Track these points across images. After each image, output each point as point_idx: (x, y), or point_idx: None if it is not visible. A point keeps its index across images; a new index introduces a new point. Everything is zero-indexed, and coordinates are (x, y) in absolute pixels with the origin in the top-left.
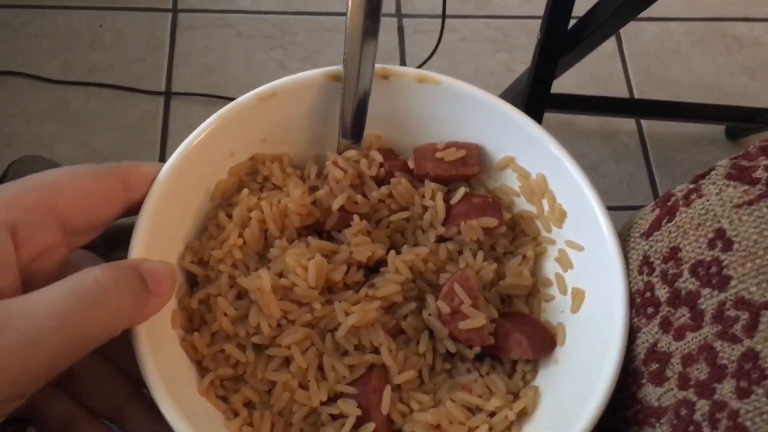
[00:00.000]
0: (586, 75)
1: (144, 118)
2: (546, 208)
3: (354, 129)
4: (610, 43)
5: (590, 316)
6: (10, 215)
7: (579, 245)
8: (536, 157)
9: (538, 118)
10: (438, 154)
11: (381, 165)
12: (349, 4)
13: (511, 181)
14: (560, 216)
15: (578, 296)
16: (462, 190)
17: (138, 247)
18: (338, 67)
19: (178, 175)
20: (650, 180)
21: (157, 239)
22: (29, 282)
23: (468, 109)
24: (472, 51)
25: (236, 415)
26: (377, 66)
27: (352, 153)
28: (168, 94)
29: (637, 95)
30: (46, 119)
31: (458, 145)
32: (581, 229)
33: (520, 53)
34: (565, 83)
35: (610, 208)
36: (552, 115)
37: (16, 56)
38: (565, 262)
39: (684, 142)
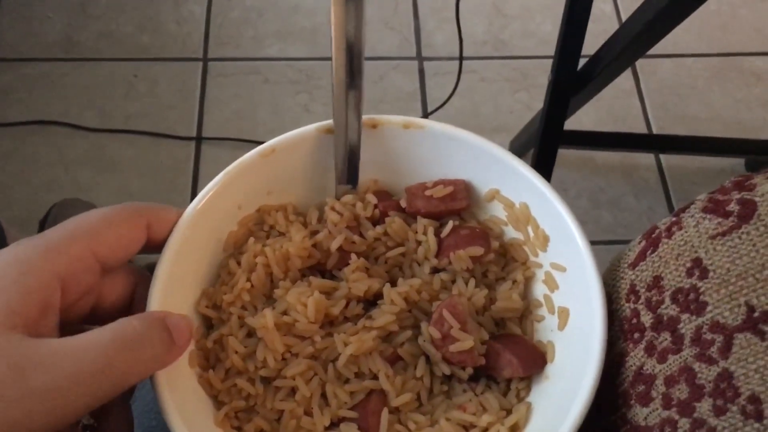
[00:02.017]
0: (604, 112)
1: (176, 162)
2: (531, 234)
3: (349, 175)
4: (627, 80)
5: (575, 331)
6: (60, 264)
7: (562, 266)
8: (517, 187)
9: (552, 155)
10: (428, 192)
11: (375, 206)
12: (333, 63)
13: (498, 211)
14: (544, 240)
15: (564, 314)
16: (450, 224)
17: (156, 298)
18: (330, 121)
19: (192, 229)
20: (670, 214)
21: (174, 287)
22: (65, 320)
23: (452, 149)
24: (491, 91)
25: None
26: (365, 117)
27: (348, 197)
28: (199, 140)
29: (655, 131)
30: (84, 165)
31: (446, 182)
32: (563, 250)
33: (538, 92)
34: (584, 120)
35: (629, 242)
36: (571, 151)
37: (55, 106)
38: (551, 284)
39: (703, 176)
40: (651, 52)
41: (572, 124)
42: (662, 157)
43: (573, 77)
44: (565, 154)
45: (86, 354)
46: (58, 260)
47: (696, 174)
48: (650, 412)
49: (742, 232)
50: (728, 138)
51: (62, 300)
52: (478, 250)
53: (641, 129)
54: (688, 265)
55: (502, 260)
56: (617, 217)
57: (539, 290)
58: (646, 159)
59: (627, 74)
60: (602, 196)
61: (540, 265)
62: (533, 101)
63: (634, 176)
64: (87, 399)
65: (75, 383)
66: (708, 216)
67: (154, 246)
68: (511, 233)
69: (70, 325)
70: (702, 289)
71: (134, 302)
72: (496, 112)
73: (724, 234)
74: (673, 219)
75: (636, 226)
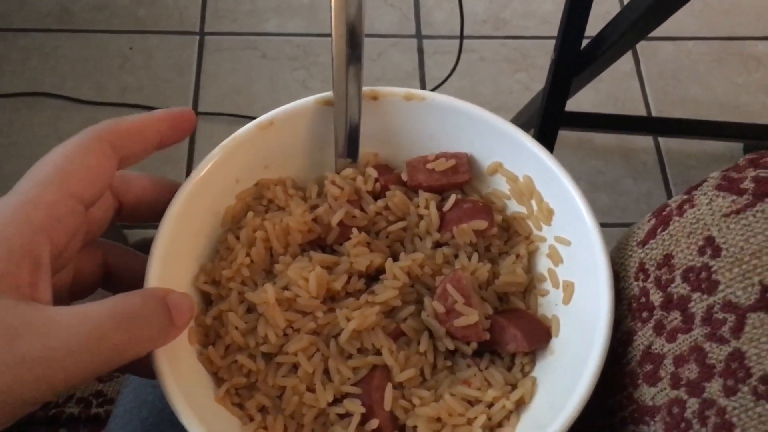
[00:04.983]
0: (604, 94)
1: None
2: (535, 207)
3: (349, 149)
4: (627, 63)
5: (580, 305)
6: (39, 216)
7: (567, 240)
8: (521, 160)
9: (552, 135)
10: (429, 166)
11: (376, 180)
12: (333, 35)
13: (501, 185)
14: (548, 214)
15: (569, 288)
16: (453, 197)
17: (155, 272)
18: (329, 93)
19: (189, 204)
20: (668, 197)
21: (172, 263)
22: (58, 267)
23: (454, 121)
24: (490, 71)
25: (251, 419)
26: (365, 88)
27: (349, 171)
28: (195, 114)
29: (654, 114)
30: None
31: (448, 156)
32: (567, 224)
33: (537, 73)
34: (583, 102)
35: (627, 226)
36: (570, 133)
37: (49, 78)
38: (555, 258)
39: (702, 160)
40: (652, 34)
41: (572, 105)
42: (661, 140)
43: (576, 57)
44: (563, 136)
45: (81, 326)
46: (36, 212)
47: (694, 158)
48: (658, 392)
49: (757, 210)
50: (728, 122)
51: (51, 251)
52: (481, 224)
53: (641, 112)
54: (700, 243)
55: (505, 234)
56: (615, 200)
57: (543, 264)
58: (645, 142)
59: (627, 56)
60: (600, 178)
61: (544, 239)
62: (532, 82)
63: (632, 159)
64: (78, 371)
65: (68, 354)
66: (722, 194)
67: (128, 160)
68: (515, 207)
69: (65, 280)
70: (714, 268)
71: (112, 274)
72: (496, 92)
73: (738, 212)
74: (685, 197)
75: (634, 209)
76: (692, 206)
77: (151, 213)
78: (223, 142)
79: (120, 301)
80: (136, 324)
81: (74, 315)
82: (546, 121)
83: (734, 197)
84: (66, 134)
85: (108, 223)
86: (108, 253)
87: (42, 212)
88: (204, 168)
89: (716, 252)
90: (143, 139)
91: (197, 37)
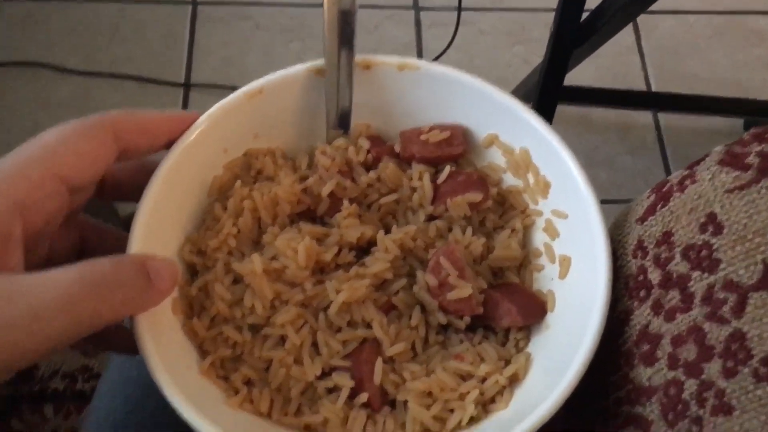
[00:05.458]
0: (604, 69)
1: (163, 109)
2: (531, 180)
3: (340, 120)
4: (628, 37)
5: (577, 279)
6: (18, 192)
7: (563, 213)
8: (518, 132)
9: (551, 109)
10: (423, 137)
11: (368, 151)
12: (325, 1)
13: (497, 158)
14: (544, 187)
15: (565, 262)
16: (447, 169)
17: (137, 240)
18: (321, 62)
19: (174, 174)
20: (667, 174)
21: (156, 233)
22: (32, 247)
23: (449, 92)
24: (488, 44)
25: (236, 392)
26: (358, 57)
27: (340, 142)
28: (187, 86)
29: (654, 89)
30: (67, 110)
31: (442, 127)
32: (564, 197)
33: (536, 46)
34: (582, 76)
35: (625, 203)
36: (568, 108)
37: (38, 48)
38: (551, 231)
39: (701, 136)
40: (653, 8)
41: (570, 80)
42: (660, 116)
43: (575, 29)
44: (560, 111)
45: (47, 290)
46: (15, 188)
47: (693, 134)
48: (654, 373)
49: (762, 187)
50: (728, 98)
51: (26, 229)
52: (476, 196)
53: (640, 87)
54: (702, 220)
55: (500, 209)
56: (612, 176)
57: (539, 239)
58: (644, 118)
59: (628, 30)
60: (597, 154)
61: (540, 213)
62: (531, 56)
63: (630, 135)
64: (49, 336)
65: (34, 319)
66: (725, 169)
67: (129, 154)
68: (510, 180)
69: (41, 253)
70: (716, 246)
71: (88, 250)
72: (493, 65)
73: (741, 188)
74: (686, 172)
75: (631, 185)
76: (694, 182)
77: (135, 191)
78: (210, 110)
79: (88, 264)
80: (106, 288)
81: (39, 281)
82: (544, 95)
83: (738, 173)
84: (54, 105)
85: (88, 201)
86: (86, 231)
87: (21, 189)
88: (189, 137)
89: (718, 229)
90: (151, 135)
91: (190, 7)
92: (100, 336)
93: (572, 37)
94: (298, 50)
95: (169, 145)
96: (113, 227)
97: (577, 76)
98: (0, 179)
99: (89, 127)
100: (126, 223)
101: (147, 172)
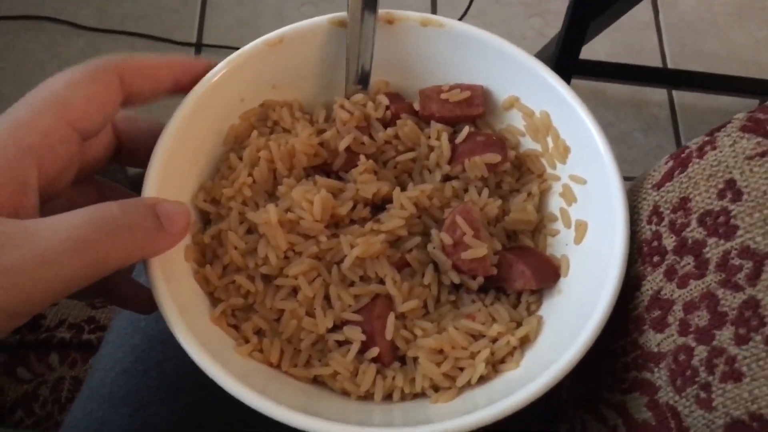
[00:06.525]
0: (620, 43)
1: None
2: (550, 144)
3: (360, 74)
4: (646, 12)
5: (593, 245)
6: (31, 140)
7: (582, 179)
8: (540, 95)
9: (566, 81)
10: (443, 96)
11: (387, 107)
12: None
13: (516, 121)
14: (564, 152)
15: (581, 228)
16: (466, 129)
17: (150, 186)
18: (343, 14)
19: (190, 120)
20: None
21: (169, 180)
22: (49, 195)
23: (472, 51)
24: (504, 14)
25: (247, 341)
26: (381, 11)
27: (359, 97)
28: (199, 46)
29: (670, 66)
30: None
31: (463, 87)
32: (584, 162)
33: (552, 18)
34: (598, 50)
35: (634, 179)
36: (582, 82)
37: (50, 2)
38: (569, 197)
39: (716, 116)
40: None
41: (586, 54)
42: (675, 93)
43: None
44: (575, 85)
45: (56, 233)
46: (27, 136)
47: (708, 113)
48: (664, 338)
49: None
50: (745, 77)
51: (41, 175)
52: (494, 157)
53: (657, 63)
54: (720, 186)
55: (517, 172)
56: (624, 153)
57: (555, 204)
58: (658, 95)
59: (646, 5)
60: (610, 130)
61: (557, 178)
62: (547, 28)
63: (644, 112)
64: (58, 280)
65: (43, 262)
66: (746, 135)
67: (134, 98)
68: (529, 144)
69: (56, 201)
70: (734, 212)
71: None
72: (509, 36)
73: (763, 154)
74: (707, 138)
75: (642, 162)
76: (714, 148)
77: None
78: (230, 57)
79: (98, 208)
80: (115, 230)
81: (50, 224)
82: (559, 67)
83: (760, 139)
84: (65, 60)
85: (106, 161)
86: (103, 191)
87: (34, 136)
88: (208, 83)
89: (737, 196)
90: (154, 79)
91: None
92: (112, 289)
93: (591, 7)
94: (311, 13)
95: (173, 90)
96: (128, 190)
97: (594, 50)
98: (13, 128)
99: (95, 72)
100: (132, 181)
101: None
